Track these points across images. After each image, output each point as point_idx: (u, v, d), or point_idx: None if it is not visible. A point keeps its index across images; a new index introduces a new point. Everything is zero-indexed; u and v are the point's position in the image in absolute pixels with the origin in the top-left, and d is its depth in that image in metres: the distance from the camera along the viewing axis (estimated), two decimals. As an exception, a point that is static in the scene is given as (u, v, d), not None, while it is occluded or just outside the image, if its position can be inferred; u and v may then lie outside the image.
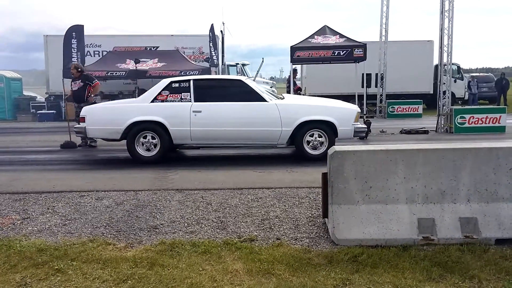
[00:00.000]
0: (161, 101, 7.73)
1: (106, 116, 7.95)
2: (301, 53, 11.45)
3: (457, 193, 3.95)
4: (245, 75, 21.25)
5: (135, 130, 7.65)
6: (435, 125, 12.06)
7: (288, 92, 12.74)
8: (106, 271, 3.41)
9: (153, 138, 7.69)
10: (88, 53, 19.62)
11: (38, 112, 19.00)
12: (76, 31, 18.08)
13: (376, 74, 17.74)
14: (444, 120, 11.97)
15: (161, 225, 4.45)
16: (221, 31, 20.39)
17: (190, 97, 7.69)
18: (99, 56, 19.87)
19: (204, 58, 19.32)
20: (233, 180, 6.31)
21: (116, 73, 17.55)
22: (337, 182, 4.00)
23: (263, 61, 22.21)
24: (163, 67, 17.88)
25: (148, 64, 18.09)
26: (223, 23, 20.63)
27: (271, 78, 33.82)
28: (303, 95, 13.52)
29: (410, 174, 3.96)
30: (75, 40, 18.11)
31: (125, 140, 7.74)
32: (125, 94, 19.30)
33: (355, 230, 3.90)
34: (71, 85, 9.96)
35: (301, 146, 7.67)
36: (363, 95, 13.29)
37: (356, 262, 3.52)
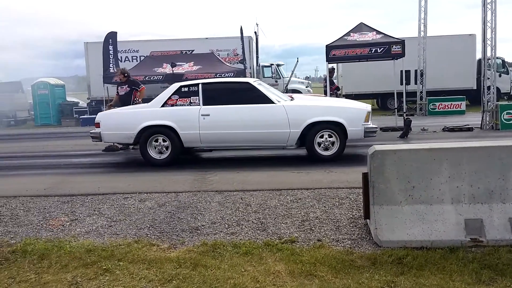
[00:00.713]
0: (171, 106, 7.86)
1: (119, 121, 8.13)
2: (337, 52, 11.31)
3: (506, 192, 3.82)
4: (280, 76, 21.24)
5: (146, 134, 7.80)
6: (480, 122, 11.66)
7: (325, 92, 12.60)
8: (151, 271, 3.49)
9: (164, 141, 7.81)
10: (127, 59, 20.13)
11: (80, 117, 19.63)
12: (111, 38, 18.62)
13: (416, 71, 17.34)
14: (489, 116, 11.56)
15: (202, 226, 4.51)
16: (255, 32, 20.46)
17: (199, 100, 7.76)
18: (136, 61, 20.33)
19: (239, 59, 19.44)
20: (271, 181, 6.32)
21: (153, 77, 17.91)
22: (378, 182, 3.94)
23: (298, 61, 22.12)
24: (198, 70, 18.10)
25: (184, 68, 18.36)
26: (257, 24, 20.70)
27: (306, 78, 33.68)
28: (340, 94, 13.36)
29: (455, 173, 3.85)
30: (112, 46, 18.66)
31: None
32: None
33: (399, 232, 3.83)
34: (118, 89, 10.16)
35: (311, 148, 7.60)
36: (402, 92, 13.00)
37: (400, 264, 3.46)
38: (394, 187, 3.91)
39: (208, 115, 7.63)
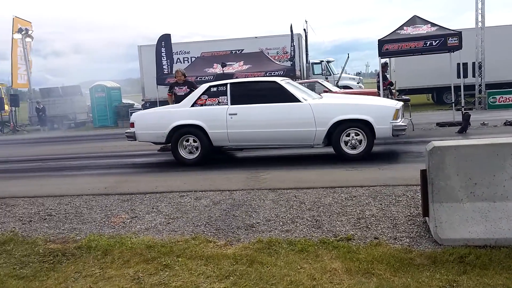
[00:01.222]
0: (200, 105, 7.99)
1: (152, 121, 8.37)
2: (389, 46, 11.01)
3: None
4: (330, 72, 21.03)
5: (177, 133, 7.99)
6: (544, 115, 11.01)
7: (378, 87, 12.30)
8: (209, 267, 3.57)
9: (194, 141, 7.97)
10: (178, 60, 20.62)
11: (136, 118, 20.28)
12: (164, 40, 19.11)
13: (473, 63, 16.63)
14: (554, 108, 10.88)
15: (257, 224, 4.56)
16: (304, 29, 20.38)
17: (227, 100, 7.83)
18: (188, 62, 20.78)
19: (288, 57, 19.41)
20: (324, 178, 6.27)
21: (204, 78, 18.18)
22: (437, 179, 3.81)
23: (348, 56, 21.80)
24: (248, 69, 18.22)
25: (234, 67, 18.54)
26: (306, 21, 20.65)
27: (357, 74, 33.02)
28: (394, 89, 13.01)
29: (521, 169, 3.66)
30: (164, 48, 19.15)
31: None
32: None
33: (460, 230, 3.69)
34: (176, 90, 10.29)
35: (338, 146, 7.45)
36: (459, 86, 12.48)
37: (463, 263, 3.34)
38: (454, 184, 3.78)
39: (236, 114, 7.70)
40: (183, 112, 8.06)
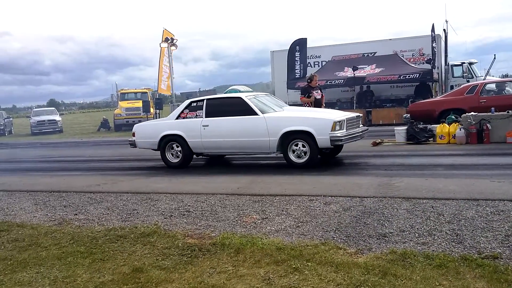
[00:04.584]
0: (183, 118, 9.40)
1: (147, 131, 10.01)
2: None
3: None
4: (472, 75, 19.31)
5: (164, 141, 9.51)
6: None
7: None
8: (339, 274, 3.49)
9: (177, 146, 9.40)
10: (309, 64, 20.76)
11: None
12: (299, 44, 19.32)
13: None
14: None
15: (390, 234, 4.34)
16: (444, 29, 19.02)
17: (203, 113, 9.13)
18: (318, 66, 20.82)
19: (425, 59, 18.31)
20: (466, 189, 5.75)
21: (334, 82, 18.11)
22: None
23: (495, 57, 19.87)
24: (380, 73, 17.66)
25: (366, 71, 18.12)
26: (446, 21, 19.20)
27: (505, 76, 29.71)
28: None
29: None
30: (298, 52, 19.38)
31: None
32: (343, 101, 19.70)
33: None
34: (313, 94, 10.83)
35: (286, 155, 8.40)
36: None
37: None
38: None
39: (208, 125, 9.00)
40: (169, 124, 9.58)
